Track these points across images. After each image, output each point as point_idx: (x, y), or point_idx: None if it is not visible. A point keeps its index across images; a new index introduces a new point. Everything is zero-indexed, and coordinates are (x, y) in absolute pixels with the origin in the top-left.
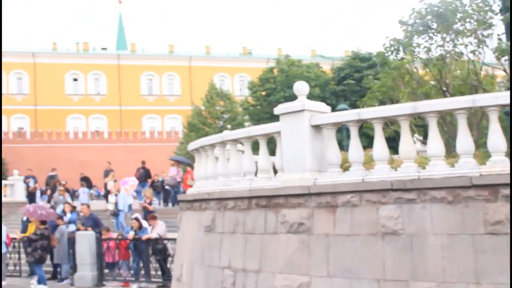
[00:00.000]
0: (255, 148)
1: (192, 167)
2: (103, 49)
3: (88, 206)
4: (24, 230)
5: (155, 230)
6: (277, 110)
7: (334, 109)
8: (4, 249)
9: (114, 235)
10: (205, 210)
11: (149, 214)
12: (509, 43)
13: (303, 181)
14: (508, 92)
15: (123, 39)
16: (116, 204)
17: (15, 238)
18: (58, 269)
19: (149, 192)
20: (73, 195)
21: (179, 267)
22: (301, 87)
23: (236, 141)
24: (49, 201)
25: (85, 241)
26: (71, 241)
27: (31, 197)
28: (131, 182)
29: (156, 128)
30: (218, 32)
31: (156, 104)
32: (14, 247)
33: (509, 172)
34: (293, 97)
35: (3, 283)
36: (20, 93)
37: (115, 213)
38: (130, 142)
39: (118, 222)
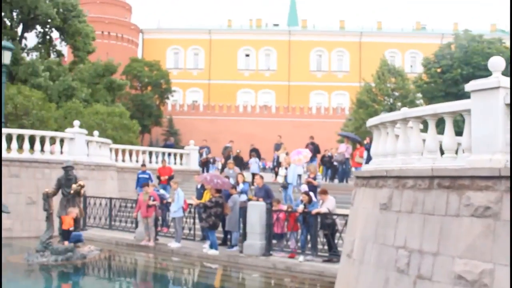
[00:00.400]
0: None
1: (361, 144)
2: (275, 25)
3: (261, 177)
4: (199, 197)
5: (325, 204)
6: (469, 86)
7: None
8: (180, 214)
9: (283, 207)
10: (382, 187)
11: (320, 189)
12: None
13: (493, 163)
14: None
15: (295, 16)
16: (285, 177)
17: (191, 204)
18: (229, 236)
19: (313, 167)
20: (244, 165)
21: (350, 243)
22: (496, 63)
23: (419, 118)
24: (222, 171)
25: (256, 211)
26: (242, 211)
27: (204, 166)
28: (305, 153)
29: (323, 104)
30: (391, 7)
31: (324, 80)
32: (190, 212)
33: None
34: (471, 75)
35: (178, 244)
36: (196, 68)
37: (284, 186)
38: (297, 117)
39: (287, 195)
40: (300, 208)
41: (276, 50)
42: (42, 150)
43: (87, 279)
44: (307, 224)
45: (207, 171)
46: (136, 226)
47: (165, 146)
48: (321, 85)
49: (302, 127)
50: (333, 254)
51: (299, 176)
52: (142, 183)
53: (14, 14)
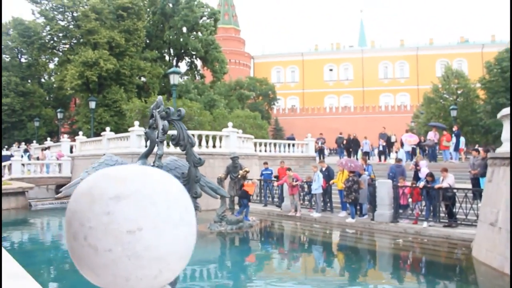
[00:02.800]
0: None
1: (447, 130)
2: (350, 46)
3: (400, 159)
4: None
5: (446, 180)
6: None
7: None
8: (320, 190)
9: (407, 183)
10: None
11: (441, 168)
12: None
13: None
14: None
15: (364, 37)
16: (396, 159)
17: (332, 183)
18: (358, 207)
19: (420, 157)
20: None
21: (493, 213)
22: None
23: None
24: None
25: (385, 187)
26: (371, 187)
27: (320, 153)
28: (415, 138)
29: (389, 103)
30: (440, 24)
31: (389, 85)
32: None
33: None
34: None
35: (319, 214)
36: (293, 81)
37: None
38: (370, 114)
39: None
40: (422, 184)
41: (352, 64)
42: (207, 145)
43: (258, 242)
44: (430, 197)
45: (323, 157)
46: (281, 201)
47: (288, 139)
48: (388, 89)
49: (374, 122)
50: (453, 221)
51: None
52: (265, 178)
53: (171, 51)
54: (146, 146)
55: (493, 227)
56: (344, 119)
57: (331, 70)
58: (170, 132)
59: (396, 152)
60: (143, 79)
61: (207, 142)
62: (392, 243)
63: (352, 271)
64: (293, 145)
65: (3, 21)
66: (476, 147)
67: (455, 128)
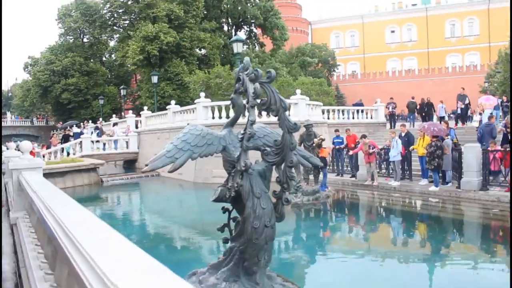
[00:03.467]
0: None
1: None
2: (413, 5)
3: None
4: (405, 144)
5: None
6: None
7: None
8: (399, 158)
9: (498, 147)
10: None
11: None
12: None
13: None
14: None
15: None
16: (480, 121)
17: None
18: (440, 174)
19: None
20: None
21: None
22: None
23: None
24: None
25: (472, 152)
26: (455, 152)
27: (391, 118)
28: (492, 99)
29: (457, 63)
30: None
31: (457, 44)
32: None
33: None
34: None
35: (398, 183)
36: (353, 46)
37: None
38: (436, 76)
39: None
40: None
41: (416, 24)
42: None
43: (337, 213)
44: None
45: (394, 123)
46: (356, 170)
47: (356, 105)
48: (455, 48)
49: (440, 85)
50: None
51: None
52: (336, 145)
53: (230, 20)
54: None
55: None
56: (408, 83)
57: (393, 31)
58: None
59: (481, 114)
60: (203, 51)
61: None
62: (488, 212)
63: (442, 243)
64: (362, 111)
65: (67, 2)
66: None
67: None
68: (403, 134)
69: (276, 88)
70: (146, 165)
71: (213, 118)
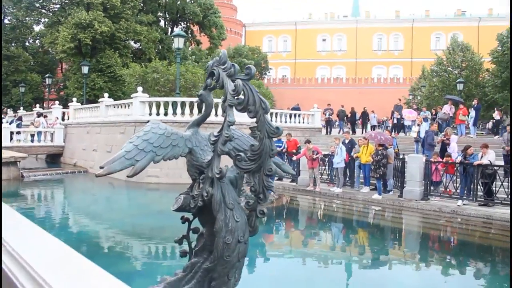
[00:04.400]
0: None
1: (464, 104)
2: (344, 16)
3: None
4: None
5: (486, 157)
6: None
7: None
8: (342, 164)
9: (439, 158)
10: None
11: (482, 144)
12: None
13: None
14: None
15: (357, 8)
16: (418, 132)
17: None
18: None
19: (450, 130)
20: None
21: None
22: None
23: None
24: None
25: (416, 162)
26: (397, 161)
27: (327, 124)
28: (412, 114)
29: (382, 75)
30: None
31: (383, 57)
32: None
33: None
34: None
35: (340, 190)
36: (285, 51)
37: (417, 140)
38: (362, 86)
39: (418, 148)
40: (459, 159)
41: (346, 35)
42: (216, 114)
43: (281, 219)
44: (467, 173)
45: (330, 129)
46: (298, 175)
47: (293, 109)
48: (381, 61)
49: (366, 94)
50: (489, 200)
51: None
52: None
53: (167, 15)
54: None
55: None
56: (336, 91)
57: (324, 40)
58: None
59: (419, 125)
60: (138, 44)
61: (216, 111)
62: (432, 222)
63: (380, 249)
64: (299, 115)
65: None
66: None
67: (475, 102)
68: (346, 141)
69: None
70: (101, 167)
71: (150, 114)
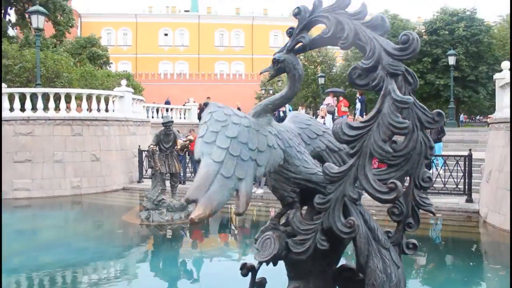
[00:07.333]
0: None
1: (344, 96)
2: (186, 11)
3: None
4: None
5: None
6: None
7: (430, 55)
8: None
9: None
10: (508, 130)
11: None
12: None
13: None
14: None
15: (196, 3)
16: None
17: None
18: None
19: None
20: None
21: (488, 172)
22: None
23: None
24: None
25: None
26: None
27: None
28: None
29: (225, 71)
30: None
31: (225, 53)
32: None
33: None
34: None
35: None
36: (125, 44)
37: None
38: (206, 82)
39: None
40: None
41: (189, 30)
42: (98, 108)
43: (215, 230)
44: None
45: None
46: None
47: (166, 103)
48: (223, 57)
49: (210, 90)
50: None
51: None
52: None
53: None
54: None
55: (487, 183)
56: (181, 87)
57: (166, 34)
58: None
59: (323, 117)
60: None
61: (98, 103)
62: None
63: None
64: (173, 109)
65: None
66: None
67: (359, 94)
68: None
69: (77, 79)
70: (191, 200)
71: (12, 110)
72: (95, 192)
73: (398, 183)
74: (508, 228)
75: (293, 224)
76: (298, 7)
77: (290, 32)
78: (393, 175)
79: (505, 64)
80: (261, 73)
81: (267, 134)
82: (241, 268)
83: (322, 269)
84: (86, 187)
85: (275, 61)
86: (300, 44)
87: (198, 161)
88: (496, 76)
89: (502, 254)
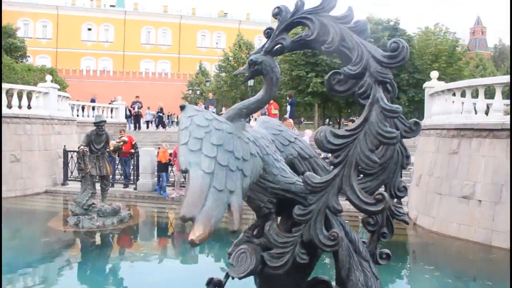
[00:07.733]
0: None
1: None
2: (111, 6)
3: None
4: None
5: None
6: None
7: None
8: None
9: None
10: (438, 136)
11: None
12: None
13: None
14: None
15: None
16: None
17: None
18: None
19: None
20: None
21: (418, 176)
22: None
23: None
24: None
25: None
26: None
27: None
28: None
29: (150, 69)
30: None
31: (151, 51)
32: None
33: None
34: None
35: (177, 194)
36: (45, 37)
37: None
38: (130, 80)
39: None
40: None
41: (114, 26)
42: (20, 105)
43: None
44: None
45: (139, 124)
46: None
47: (91, 101)
48: (149, 55)
49: (135, 88)
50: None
51: None
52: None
53: None
54: None
55: (417, 187)
56: (104, 84)
57: (89, 29)
58: None
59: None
60: None
61: (19, 99)
62: None
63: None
64: (97, 108)
65: None
66: (351, 118)
67: (289, 97)
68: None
69: None
70: (187, 219)
71: None
72: (14, 195)
73: (386, 194)
74: (437, 230)
75: (269, 237)
76: (278, 7)
77: (268, 33)
78: (369, 184)
79: (434, 74)
80: (235, 75)
81: (248, 141)
82: (207, 284)
83: (296, 282)
84: (4, 190)
85: (252, 63)
86: (278, 45)
87: (185, 171)
88: (426, 84)
89: (435, 255)
